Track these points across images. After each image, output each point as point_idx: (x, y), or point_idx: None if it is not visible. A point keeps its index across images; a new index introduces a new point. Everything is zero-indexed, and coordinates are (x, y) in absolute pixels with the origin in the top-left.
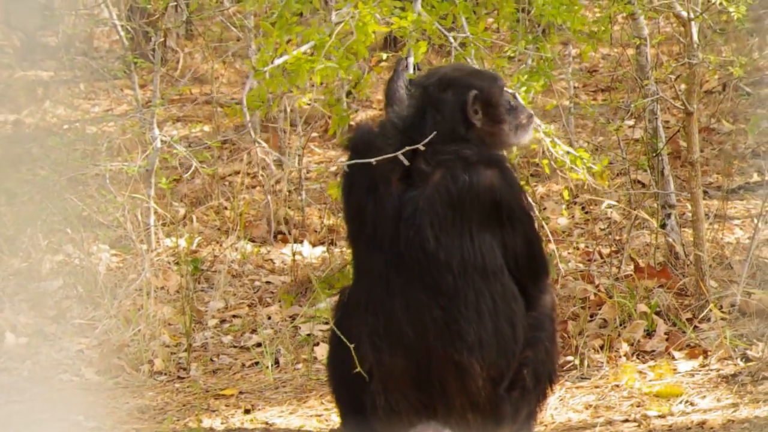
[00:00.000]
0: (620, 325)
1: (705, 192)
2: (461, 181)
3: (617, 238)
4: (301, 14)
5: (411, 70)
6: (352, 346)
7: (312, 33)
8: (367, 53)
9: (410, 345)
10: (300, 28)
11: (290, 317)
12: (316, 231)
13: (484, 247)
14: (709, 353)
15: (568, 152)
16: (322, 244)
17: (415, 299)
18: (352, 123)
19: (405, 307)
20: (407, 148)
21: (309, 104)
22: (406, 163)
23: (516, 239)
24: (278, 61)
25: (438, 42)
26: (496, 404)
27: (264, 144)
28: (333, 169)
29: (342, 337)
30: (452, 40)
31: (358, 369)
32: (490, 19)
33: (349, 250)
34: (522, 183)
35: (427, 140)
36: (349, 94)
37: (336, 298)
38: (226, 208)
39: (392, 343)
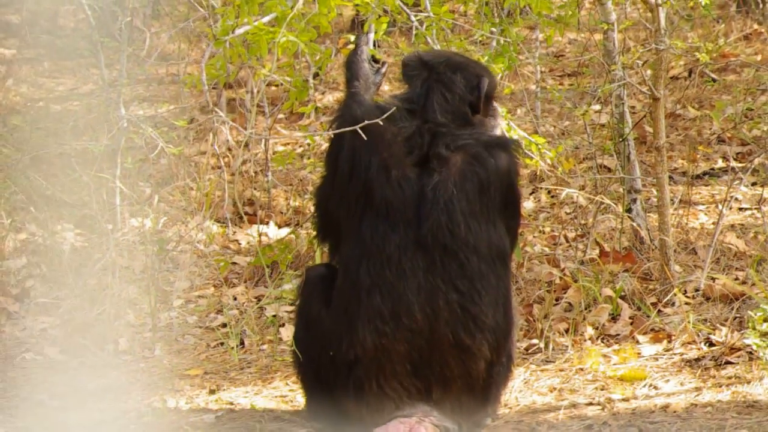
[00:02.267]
0: (585, 309)
1: (670, 177)
2: (490, 165)
3: (583, 222)
4: None
5: (372, 46)
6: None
7: (274, 4)
8: (330, 28)
9: (416, 329)
10: None
11: (256, 298)
12: (281, 212)
13: (502, 231)
14: (673, 337)
15: (524, 137)
16: (288, 225)
17: (430, 283)
18: (318, 105)
19: (417, 290)
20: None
21: (268, 76)
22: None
23: (511, 224)
24: (239, 31)
25: (399, 20)
26: (489, 386)
27: (221, 113)
28: (299, 150)
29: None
30: (413, 18)
31: (346, 354)
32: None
33: (321, 226)
34: None
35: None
36: (316, 75)
37: (300, 278)
38: (191, 188)
39: (397, 326)
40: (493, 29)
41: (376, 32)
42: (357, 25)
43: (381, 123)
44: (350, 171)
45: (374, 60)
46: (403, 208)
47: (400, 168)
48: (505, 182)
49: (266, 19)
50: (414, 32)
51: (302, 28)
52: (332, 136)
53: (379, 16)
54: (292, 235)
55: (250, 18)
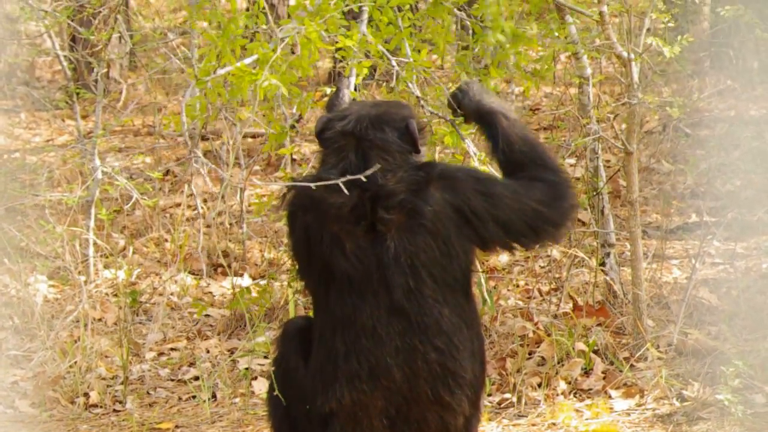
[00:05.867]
0: (558, 363)
1: (644, 231)
2: (428, 213)
3: (557, 275)
4: (246, 27)
5: (353, 88)
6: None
7: (256, 47)
8: (311, 71)
9: (395, 388)
10: (244, 40)
11: (228, 351)
12: (256, 264)
13: (467, 261)
14: (645, 392)
15: None
16: (263, 277)
17: (408, 344)
18: (294, 157)
19: (395, 353)
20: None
21: (248, 119)
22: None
23: (494, 228)
24: (221, 71)
25: (381, 65)
26: None
27: (201, 155)
28: (274, 203)
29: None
30: (394, 63)
31: (321, 407)
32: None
33: (309, 295)
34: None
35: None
36: (293, 127)
37: (277, 332)
38: (166, 240)
39: (375, 386)
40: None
41: (357, 76)
42: (333, 77)
43: (324, 198)
44: (307, 248)
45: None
46: (366, 279)
47: (353, 240)
48: (448, 213)
49: (249, 60)
50: (395, 78)
51: (283, 72)
52: (286, 210)
53: (361, 61)
54: (269, 283)
55: (233, 59)
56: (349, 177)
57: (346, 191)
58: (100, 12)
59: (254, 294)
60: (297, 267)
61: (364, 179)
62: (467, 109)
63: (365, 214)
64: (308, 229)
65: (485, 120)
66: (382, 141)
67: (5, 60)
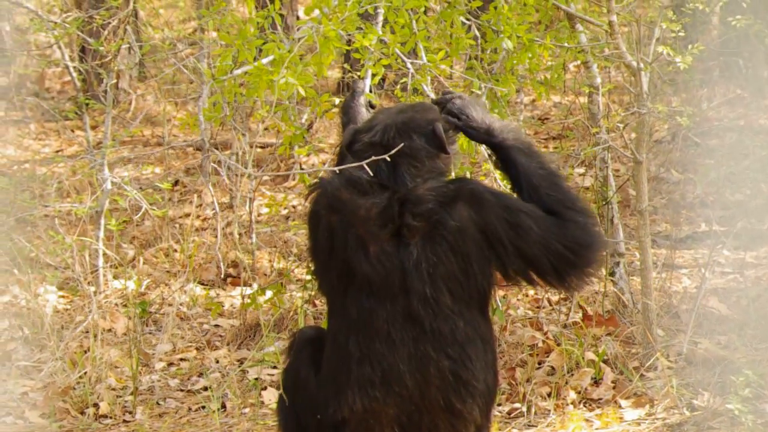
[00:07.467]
0: (568, 372)
1: (653, 241)
2: (451, 227)
3: None
4: (261, 29)
5: (368, 90)
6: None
7: (272, 47)
8: (326, 72)
9: (407, 395)
10: (260, 41)
11: (238, 361)
12: (266, 274)
13: (486, 282)
14: (655, 402)
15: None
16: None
17: (421, 351)
18: (303, 167)
19: (407, 359)
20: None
21: (265, 116)
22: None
23: (516, 260)
24: (238, 71)
25: (396, 67)
26: None
27: (217, 152)
28: (284, 212)
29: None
30: (410, 65)
31: (333, 415)
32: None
33: (325, 299)
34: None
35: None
36: (309, 128)
37: (287, 342)
38: (175, 250)
39: (388, 393)
40: (483, 86)
41: (373, 76)
42: (342, 87)
43: (353, 199)
44: (329, 249)
45: (371, 105)
46: (387, 284)
47: (378, 243)
48: (471, 232)
49: (265, 60)
50: (411, 80)
51: (300, 72)
52: (309, 208)
53: (379, 59)
54: (281, 288)
55: (251, 57)
56: (374, 158)
57: (370, 172)
58: (109, 23)
59: (269, 294)
60: (315, 267)
61: (388, 159)
62: (477, 131)
63: (393, 218)
64: (332, 229)
65: (501, 155)
66: (411, 148)
67: (15, 71)
